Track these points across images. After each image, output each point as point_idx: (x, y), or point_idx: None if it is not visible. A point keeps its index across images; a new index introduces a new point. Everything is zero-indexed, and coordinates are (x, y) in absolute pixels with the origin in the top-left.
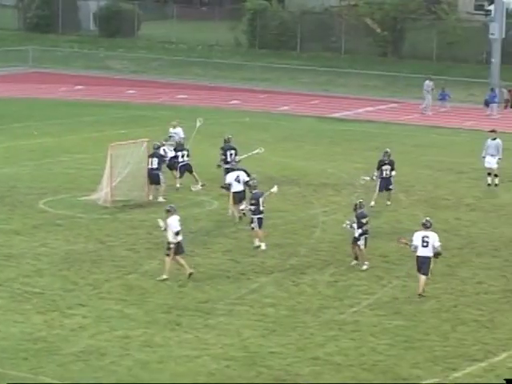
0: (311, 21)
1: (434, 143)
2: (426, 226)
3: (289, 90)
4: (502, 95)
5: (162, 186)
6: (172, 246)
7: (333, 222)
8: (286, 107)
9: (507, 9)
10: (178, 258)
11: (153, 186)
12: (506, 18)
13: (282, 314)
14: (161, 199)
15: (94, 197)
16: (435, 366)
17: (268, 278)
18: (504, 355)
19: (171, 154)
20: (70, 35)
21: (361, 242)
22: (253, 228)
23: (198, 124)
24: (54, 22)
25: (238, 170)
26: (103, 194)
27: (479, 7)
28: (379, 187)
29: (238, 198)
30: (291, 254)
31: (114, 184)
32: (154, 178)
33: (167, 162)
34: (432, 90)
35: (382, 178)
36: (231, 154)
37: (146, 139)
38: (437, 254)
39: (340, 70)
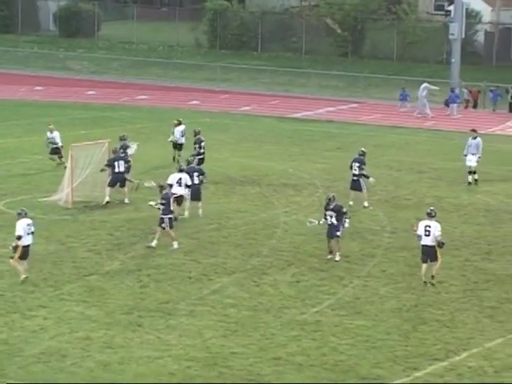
0: (272, 21)
1: (393, 143)
2: (430, 216)
3: (249, 91)
4: (462, 95)
5: (127, 188)
6: (13, 248)
7: (294, 222)
8: (246, 107)
9: (467, 9)
10: (23, 262)
11: (115, 188)
12: (466, 19)
13: (244, 314)
14: (127, 201)
15: (54, 198)
16: (396, 366)
17: (229, 278)
18: (465, 354)
19: None
20: (30, 35)
21: (339, 233)
22: (163, 228)
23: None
24: (13, 22)
25: (182, 171)
26: (64, 194)
27: (439, 7)
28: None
29: (178, 199)
30: (252, 255)
31: (74, 185)
32: (121, 180)
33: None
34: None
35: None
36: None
37: (108, 140)
38: (440, 244)
39: (300, 71)
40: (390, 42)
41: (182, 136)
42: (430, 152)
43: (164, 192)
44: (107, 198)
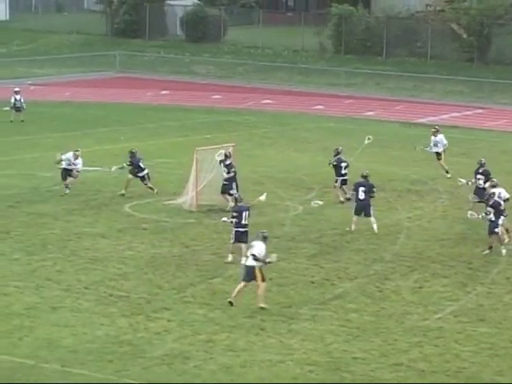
0: (397, 26)
1: None
2: None
3: (374, 96)
4: None
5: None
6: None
7: (417, 228)
8: (370, 112)
9: None
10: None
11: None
12: None
13: (366, 319)
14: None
15: (179, 201)
16: None
17: (352, 283)
18: None
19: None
20: (157, 40)
21: (498, 229)
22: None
23: (367, 141)
24: (141, 27)
25: None
26: (188, 198)
27: None
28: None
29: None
30: (375, 260)
31: (199, 188)
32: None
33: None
34: None
35: (476, 187)
36: None
37: (232, 144)
38: None
39: (426, 76)
40: None
41: (435, 145)
42: None
43: (238, 205)
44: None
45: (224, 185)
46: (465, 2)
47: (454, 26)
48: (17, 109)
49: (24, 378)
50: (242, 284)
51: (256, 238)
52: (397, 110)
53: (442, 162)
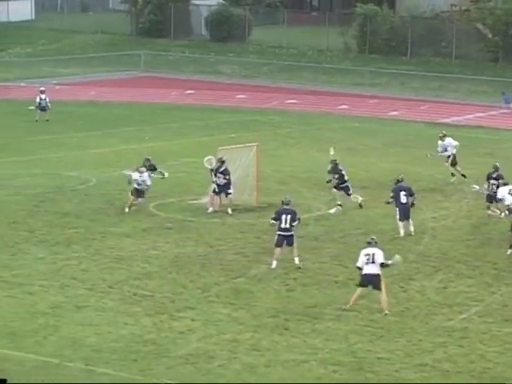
0: (422, 26)
1: None
2: None
3: (398, 96)
4: None
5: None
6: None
7: (442, 228)
8: (395, 112)
9: None
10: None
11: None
12: None
13: (390, 319)
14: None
15: (203, 200)
16: None
17: None
18: None
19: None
20: (182, 40)
21: None
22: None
23: (332, 152)
24: (165, 26)
25: None
26: None
27: None
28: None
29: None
30: None
31: None
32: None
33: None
34: None
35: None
36: None
37: (256, 143)
38: None
39: (451, 76)
40: None
41: (445, 149)
42: None
43: (283, 207)
44: (211, 209)
45: (220, 187)
46: (490, 2)
47: (479, 26)
48: (42, 108)
49: (48, 376)
50: (359, 290)
51: (369, 246)
52: (421, 110)
53: (457, 167)
